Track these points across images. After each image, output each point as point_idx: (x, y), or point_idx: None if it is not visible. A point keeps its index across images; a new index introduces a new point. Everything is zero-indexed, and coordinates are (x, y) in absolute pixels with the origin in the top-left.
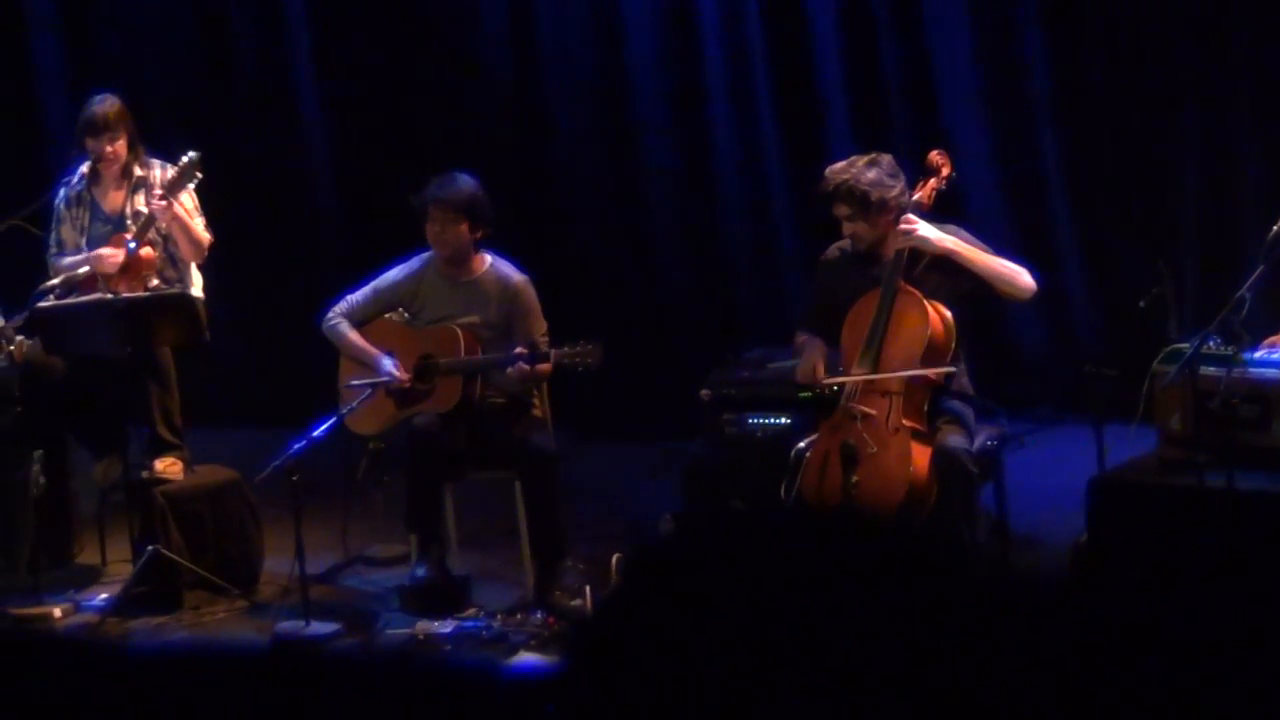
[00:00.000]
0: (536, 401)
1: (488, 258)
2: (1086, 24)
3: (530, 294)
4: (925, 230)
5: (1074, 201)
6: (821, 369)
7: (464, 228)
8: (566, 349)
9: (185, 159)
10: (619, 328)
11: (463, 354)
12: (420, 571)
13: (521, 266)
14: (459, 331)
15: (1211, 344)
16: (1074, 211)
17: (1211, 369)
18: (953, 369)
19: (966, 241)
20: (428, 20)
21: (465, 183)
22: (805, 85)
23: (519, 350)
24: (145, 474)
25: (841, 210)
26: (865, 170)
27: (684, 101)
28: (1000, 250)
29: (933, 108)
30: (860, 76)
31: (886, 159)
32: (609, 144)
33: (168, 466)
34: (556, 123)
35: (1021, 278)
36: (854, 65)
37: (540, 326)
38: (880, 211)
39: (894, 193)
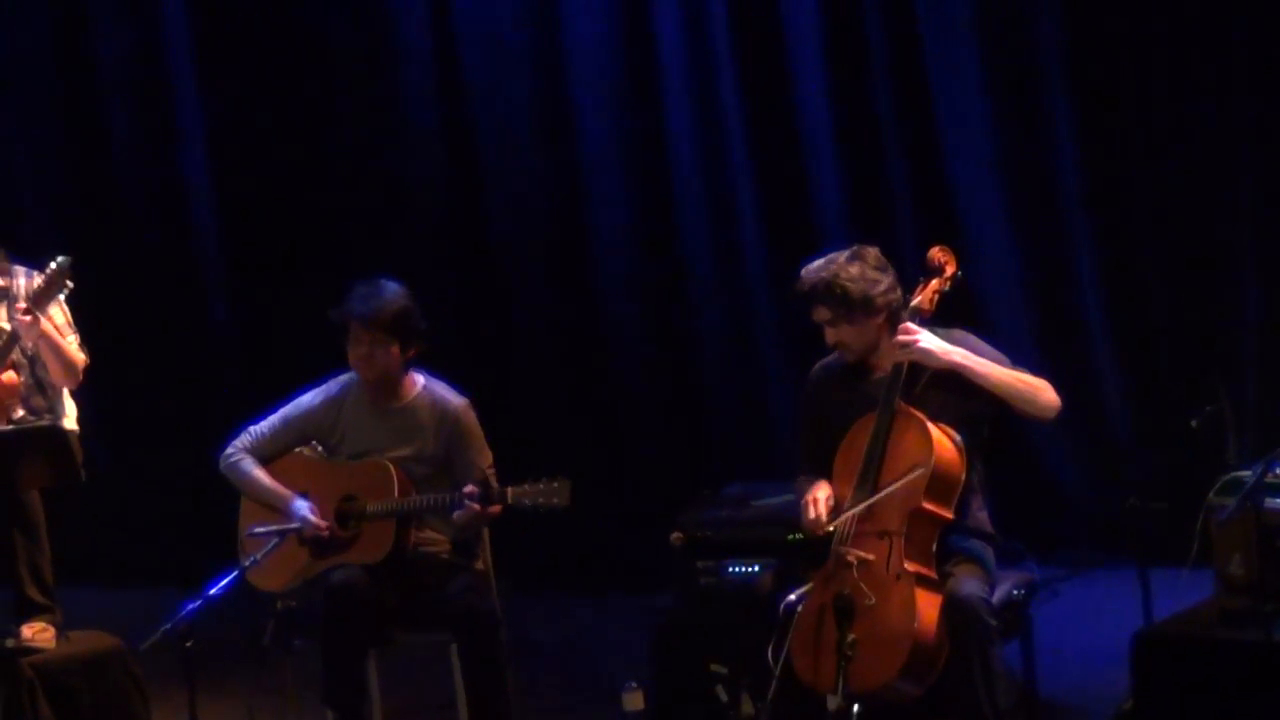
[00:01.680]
0: (479, 550)
1: (419, 379)
2: (1122, 96)
3: (472, 419)
4: (927, 341)
5: (1112, 303)
6: (828, 514)
7: (395, 349)
8: (526, 486)
9: (54, 265)
10: (575, 459)
11: (396, 494)
12: None
13: (460, 389)
14: (390, 468)
15: (1277, 471)
16: (1112, 315)
17: (1278, 501)
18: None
19: (976, 352)
20: (342, 102)
21: (393, 293)
22: (792, 175)
23: (469, 489)
24: (10, 642)
25: (821, 314)
26: (846, 266)
27: (649, 194)
28: (1019, 361)
29: (943, 195)
30: (857, 164)
31: (872, 252)
32: (561, 244)
33: (37, 633)
34: (498, 220)
35: (1044, 394)
36: (850, 151)
37: (486, 457)
38: (866, 312)
39: (880, 289)
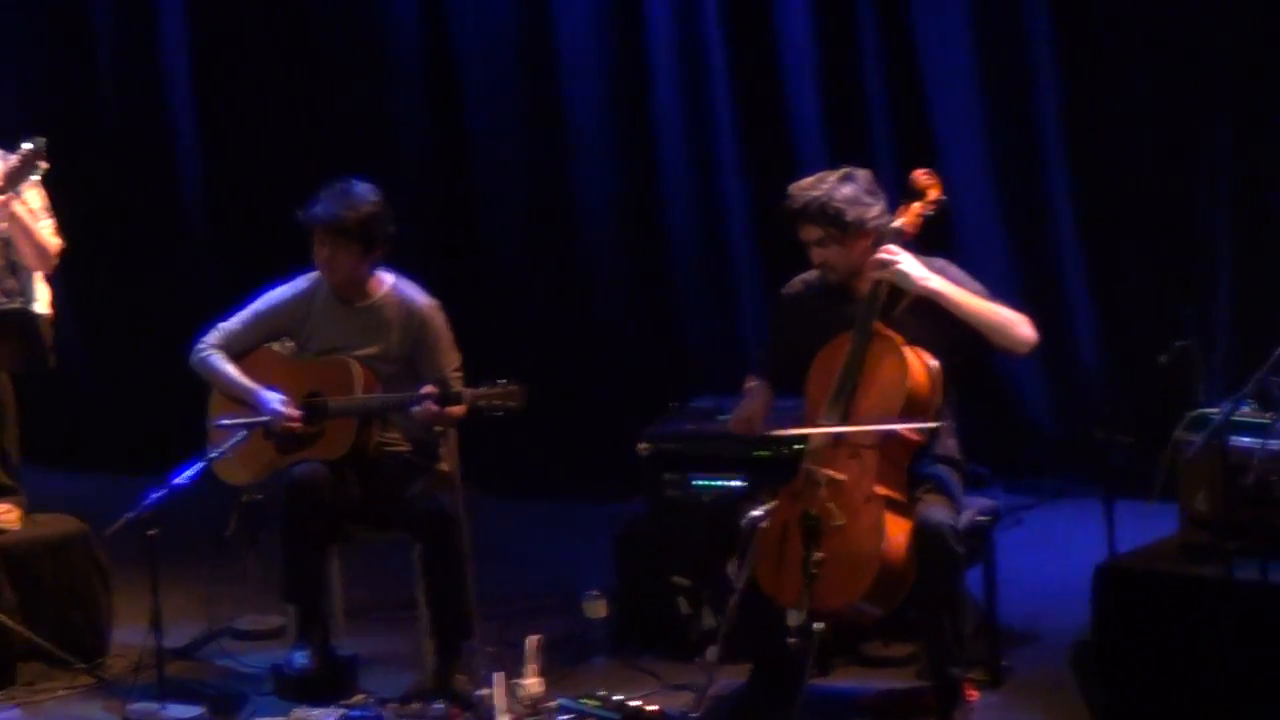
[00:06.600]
0: (443, 453)
1: (388, 279)
2: (1102, 32)
3: (440, 321)
4: (907, 264)
5: (1086, 237)
6: (759, 419)
7: (357, 253)
8: (483, 389)
9: (27, 146)
10: (545, 367)
11: (358, 392)
12: (300, 660)
13: (430, 290)
14: (354, 365)
15: (1245, 409)
16: (1086, 249)
17: (1245, 439)
18: (936, 424)
19: (955, 281)
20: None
21: (360, 197)
22: (770, 91)
23: (426, 389)
24: None
25: (811, 233)
26: (838, 186)
27: (628, 106)
28: (997, 293)
29: (923, 123)
30: (837, 85)
31: (863, 174)
32: (537, 153)
33: (3, 514)
34: (475, 126)
35: (1019, 328)
36: (830, 72)
37: (453, 360)
38: (857, 235)
39: (873, 213)
